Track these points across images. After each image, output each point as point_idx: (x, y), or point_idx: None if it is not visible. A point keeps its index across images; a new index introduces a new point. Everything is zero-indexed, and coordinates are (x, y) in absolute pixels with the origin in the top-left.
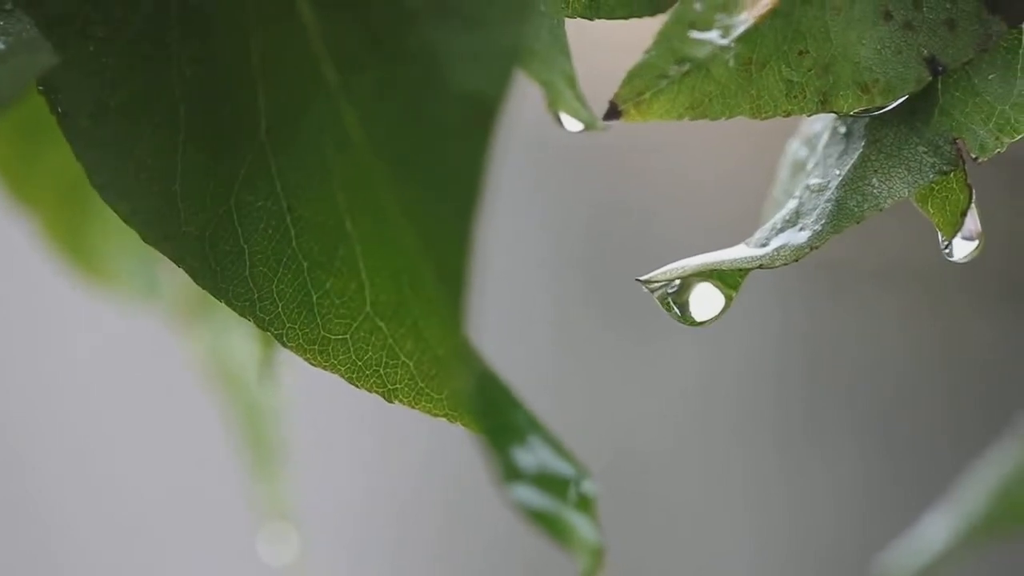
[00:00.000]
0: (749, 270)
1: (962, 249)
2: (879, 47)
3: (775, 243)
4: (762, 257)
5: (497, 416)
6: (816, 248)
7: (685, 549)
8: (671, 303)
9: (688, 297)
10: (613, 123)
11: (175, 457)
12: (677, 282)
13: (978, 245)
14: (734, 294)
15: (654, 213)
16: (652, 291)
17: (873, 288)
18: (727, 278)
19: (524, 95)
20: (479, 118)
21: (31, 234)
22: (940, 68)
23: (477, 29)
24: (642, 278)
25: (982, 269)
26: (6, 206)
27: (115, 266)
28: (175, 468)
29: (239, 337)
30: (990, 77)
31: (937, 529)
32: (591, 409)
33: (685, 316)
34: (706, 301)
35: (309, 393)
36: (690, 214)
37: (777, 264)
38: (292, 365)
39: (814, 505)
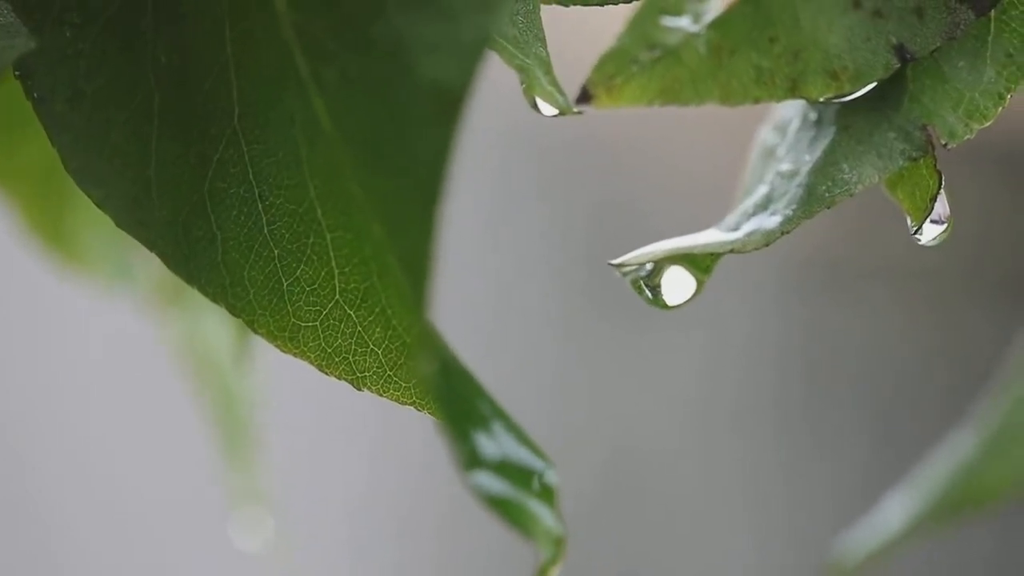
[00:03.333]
0: (721, 254)
1: (930, 232)
2: (848, 34)
3: (747, 228)
4: (734, 241)
5: (460, 403)
6: (787, 232)
7: (684, 544)
8: (643, 286)
9: (660, 280)
10: (615, 120)
11: (176, 455)
12: (649, 266)
13: (946, 228)
14: (705, 278)
15: (654, 209)
16: (624, 275)
17: (873, 286)
18: (699, 262)
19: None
20: (445, 108)
21: (11, 224)
22: (909, 56)
23: (445, 20)
24: (614, 262)
25: (982, 267)
26: None
27: (91, 252)
28: (175, 466)
29: (213, 323)
30: (959, 64)
31: (895, 511)
32: (591, 404)
33: (657, 299)
34: (678, 285)
35: (307, 387)
36: (690, 209)
37: (749, 249)
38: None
39: (813, 501)
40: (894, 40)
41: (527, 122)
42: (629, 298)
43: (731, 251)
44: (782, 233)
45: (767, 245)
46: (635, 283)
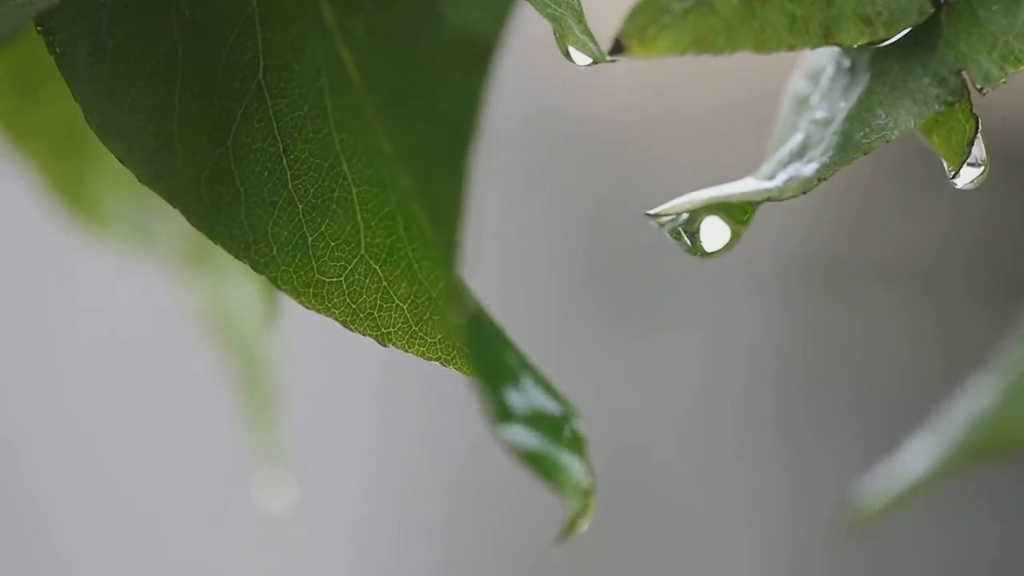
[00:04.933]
0: (759, 203)
1: (968, 175)
2: None
3: (782, 176)
4: (771, 190)
5: (490, 356)
6: (824, 179)
7: (684, 543)
8: (681, 234)
9: (698, 227)
10: (617, 120)
11: (175, 453)
12: (685, 215)
13: (983, 171)
14: (742, 229)
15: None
16: (661, 225)
17: (874, 285)
18: (736, 212)
19: (530, 90)
20: (475, 56)
21: (30, 186)
22: (942, 0)
23: None
24: (651, 212)
25: (982, 267)
26: (6, 165)
27: (112, 214)
28: (175, 466)
29: (237, 286)
30: (994, 8)
31: (916, 455)
32: (592, 404)
33: (696, 247)
34: (715, 233)
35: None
36: None
37: (786, 196)
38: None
39: (816, 500)
40: None
41: (528, 121)
42: (630, 298)
43: (768, 199)
44: (820, 180)
45: (804, 192)
46: (673, 232)
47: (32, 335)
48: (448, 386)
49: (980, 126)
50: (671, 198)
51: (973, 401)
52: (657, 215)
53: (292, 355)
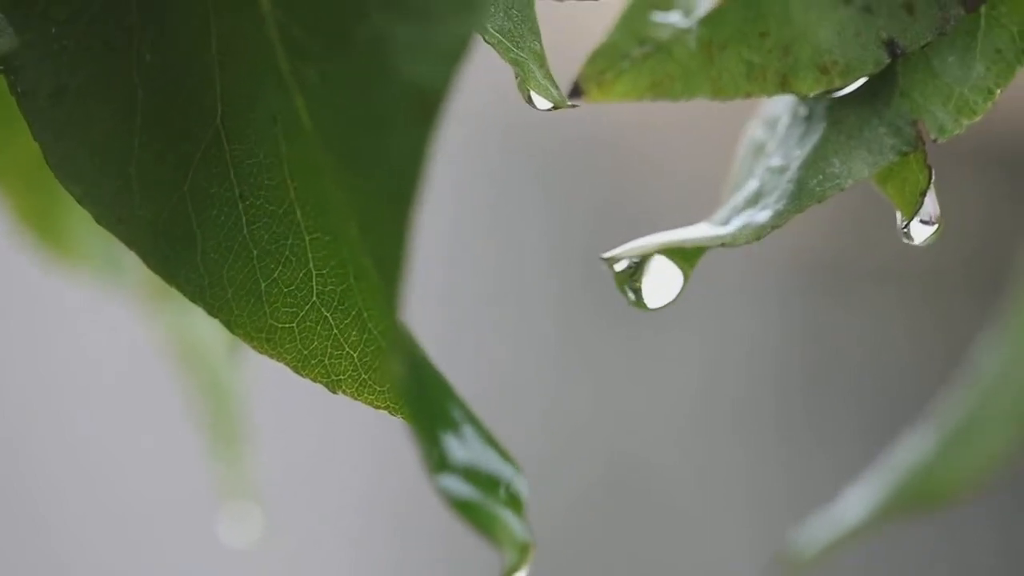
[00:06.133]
0: (709, 248)
1: (921, 233)
2: (839, 29)
3: (737, 222)
4: (724, 236)
5: (429, 405)
6: (778, 227)
7: (685, 542)
8: (626, 289)
9: (641, 282)
10: (616, 122)
11: (175, 455)
12: (635, 263)
13: (937, 229)
14: (690, 271)
15: (655, 210)
16: (614, 270)
17: (873, 287)
18: (688, 256)
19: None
20: (423, 110)
21: (5, 220)
22: (899, 51)
23: (425, 22)
24: (606, 255)
25: (982, 267)
26: None
27: (81, 246)
28: (174, 465)
29: (203, 316)
30: (949, 60)
31: (853, 504)
32: (592, 405)
33: (639, 302)
34: (662, 286)
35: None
36: (691, 211)
37: (740, 242)
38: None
39: (816, 501)
40: (884, 35)
41: (528, 122)
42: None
43: (722, 245)
44: (773, 227)
45: (758, 239)
46: (620, 284)
47: (32, 335)
48: None
49: (933, 177)
50: (668, 200)
51: (911, 452)
52: (611, 258)
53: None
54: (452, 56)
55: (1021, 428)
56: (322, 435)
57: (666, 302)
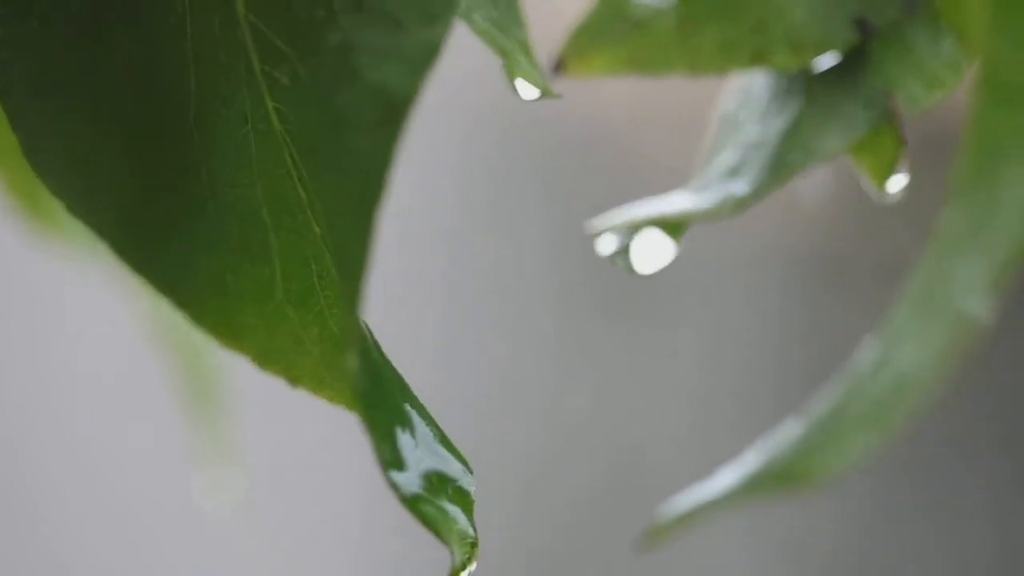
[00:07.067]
0: (693, 220)
1: (895, 184)
2: (810, 8)
3: (717, 193)
4: (708, 210)
5: (383, 402)
6: (759, 200)
7: (685, 542)
8: (615, 259)
9: (630, 249)
10: (613, 119)
11: (177, 453)
12: (623, 234)
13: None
14: (676, 242)
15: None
16: (601, 242)
17: (875, 283)
18: (670, 228)
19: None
20: (389, 114)
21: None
22: (870, 28)
23: (394, 30)
24: (594, 230)
25: None
26: None
27: (68, 224)
28: (174, 465)
29: None
30: (921, 35)
31: (724, 478)
32: (592, 403)
33: (627, 263)
34: (651, 254)
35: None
36: None
37: (723, 215)
38: None
39: (814, 501)
40: (855, 14)
41: (528, 121)
42: (628, 296)
43: (705, 217)
44: (753, 200)
45: (740, 211)
46: (612, 253)
47: (32, 335)
48: (448, 388)
49: (906, 149)
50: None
51: (787, 432)
52: (599, 231)
53: None
54: (420, 62)
55: (880, 434)
56: (322, 435)
57: (659, 268)
